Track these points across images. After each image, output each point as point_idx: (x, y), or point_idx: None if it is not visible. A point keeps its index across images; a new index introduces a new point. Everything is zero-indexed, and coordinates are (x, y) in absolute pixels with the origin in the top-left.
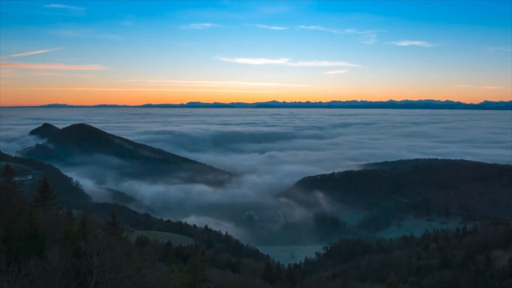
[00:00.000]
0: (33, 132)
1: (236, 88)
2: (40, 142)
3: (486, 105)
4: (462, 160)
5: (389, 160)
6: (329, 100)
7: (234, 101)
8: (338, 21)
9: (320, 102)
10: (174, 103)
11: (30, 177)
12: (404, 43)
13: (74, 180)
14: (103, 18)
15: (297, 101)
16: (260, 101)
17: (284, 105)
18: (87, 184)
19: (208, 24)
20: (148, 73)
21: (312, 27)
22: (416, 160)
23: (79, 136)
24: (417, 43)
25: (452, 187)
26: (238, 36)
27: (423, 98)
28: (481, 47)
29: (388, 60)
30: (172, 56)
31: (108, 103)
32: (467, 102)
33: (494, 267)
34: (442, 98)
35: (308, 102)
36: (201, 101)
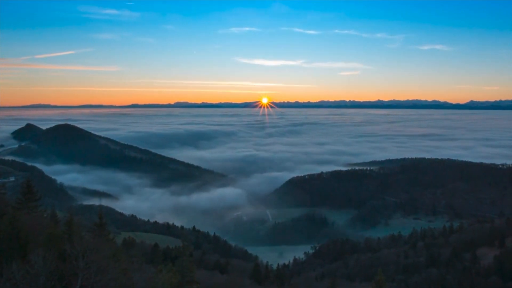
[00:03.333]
0: (15, 133)
1: (237, 89)
2: (23, 143)
3: (472, 105)
4: (448, 159)
5: (377, 159)
6: (318, 100)
7: (223, 101)
8: (371, 26)
9: (308, 102)
10: (161, 103)
11: (12, 178)
12: (426, 47)
13: (58, 182)
14: (149, 22)
15: (286, 101)
16: (248, 101)
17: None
18: (72, 186)
19: (247, 28)
20: (157, 74)
21: (346, 31)
22: (404, 159)
23: (64, 137)
24: (438, 47)
25: (438, 186)
26: (268, 39)
27: (410, 98)
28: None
29: (397, 62)
30: (191, 58)
31: (95, 103)
32: (454, 102)
33: (480, 264)
34: (429, 98)
35: (296, 102)
36: (189, 101)
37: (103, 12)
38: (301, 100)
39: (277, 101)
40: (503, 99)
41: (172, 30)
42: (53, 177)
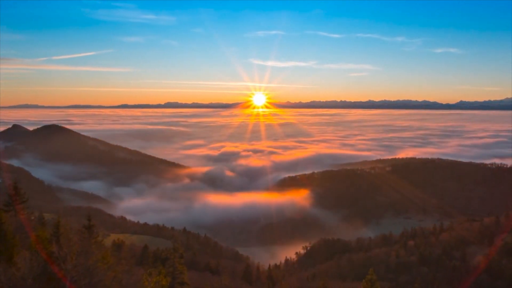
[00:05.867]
0: (1, 134)
1: (235, 89)
2: (9, 144)
3: (462, 105)
4: (438, 159)
5: (368, 159)
6: (308, 101)
7: (214, 102)
8: (392, 29)
9: (299, 103)
10: (151, 103)
11: None
12: (439, 50)
13: (46, 183)
14: (180, 26)
15: (277, 101)
16: (238, 101)
17: None
18: (60, 187)
19: (274, 32)
20: (166, 76)
21: (368, 35)
22: (395, 159)
23: (51, 138)
24: (452, 50)
25: (429, 186)
26: (290, 42)
27: (401, 99)
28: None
29: (405, 65)
30: (205, 60)
31: (83, 103)
32: (444, 102)
33: (469, 263)
34: (420, 98)
35: (288, 102)
36: (179, 101)
37: (142, 17)
38: (292, 101)
39: (273, 101)
40: (492, 99)
41: (199, 33)
42: (40, 178)
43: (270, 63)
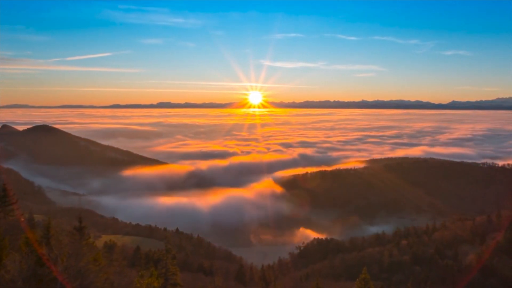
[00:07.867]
0: None
1: (233, 89)
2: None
3: (454, 105)
4: (431, 158)
5: (361, 159)
6: (302, 101)
7: (207, 101)
8: (408, 32)
9: (293, 103)
10: (143, 103)
11: None
12: (449, 53)
13: (36, 184)
14: (203, 29)
15: (271, 101)
16: (231, 102)
17: None
18: (51, 188)
19: (293, 34)
20: (173, 76)
21: (385, 37)
22: (387, 158)
23: (42, 138)
24: (461, 52)
25: (421, 185)
26: (305, 44)
27: (394, 99)
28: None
29: (412, 66)
30: (217, 61)
31: (76, 103)
32: (436, 102)
33: (461, 262)
34: (413, 98)
35: (281, 103)
36: (172, 101)
37: (171, 20)
38: (286, 101)
39: (268, 99)
40: (483, 99)
41: (219, 35)
42: (30, 179)
43: (278, 64)
